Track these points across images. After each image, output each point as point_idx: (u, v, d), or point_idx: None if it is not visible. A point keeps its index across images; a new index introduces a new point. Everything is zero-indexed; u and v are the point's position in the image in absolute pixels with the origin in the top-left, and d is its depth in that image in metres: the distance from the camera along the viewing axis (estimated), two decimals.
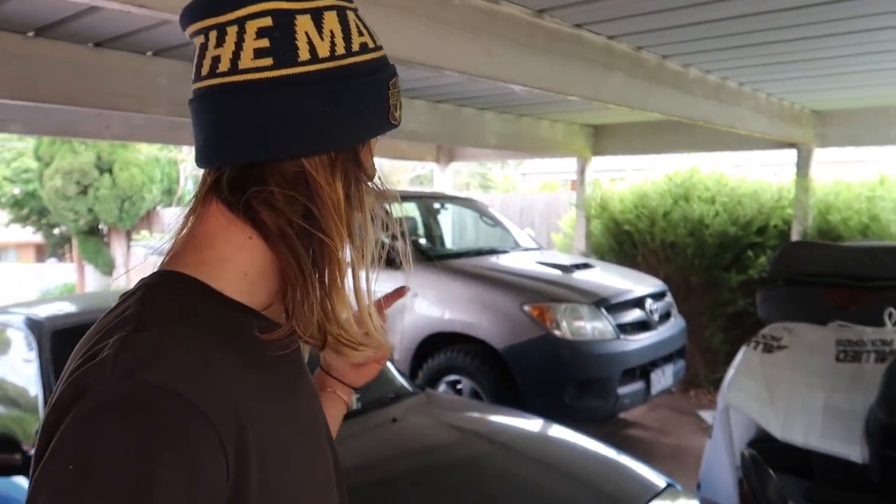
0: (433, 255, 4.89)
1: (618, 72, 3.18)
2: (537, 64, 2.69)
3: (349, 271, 0.68)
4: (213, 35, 0.64)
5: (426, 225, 5.78)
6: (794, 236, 5.49)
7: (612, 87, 3.19)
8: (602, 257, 6.40)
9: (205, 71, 0.64)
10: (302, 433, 0.69)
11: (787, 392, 2.40)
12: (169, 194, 14.99)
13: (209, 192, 0.67)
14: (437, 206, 6.12)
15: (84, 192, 13.06)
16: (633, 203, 6.28)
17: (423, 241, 5.55)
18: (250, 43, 0.63)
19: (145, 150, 13.50)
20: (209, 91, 0.64)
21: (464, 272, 4.59)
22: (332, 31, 0.65)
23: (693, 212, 5.87)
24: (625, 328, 4.29)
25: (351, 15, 0.68)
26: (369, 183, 0.70)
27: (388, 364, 3.05)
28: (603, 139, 6.70)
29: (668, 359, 4.58)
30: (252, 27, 0.63)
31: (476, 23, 2.39)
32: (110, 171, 13.12)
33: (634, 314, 4.43)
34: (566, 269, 4.73)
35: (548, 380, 4.10)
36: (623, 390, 4.17)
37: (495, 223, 6.15)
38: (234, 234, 0.66)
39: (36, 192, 14.07)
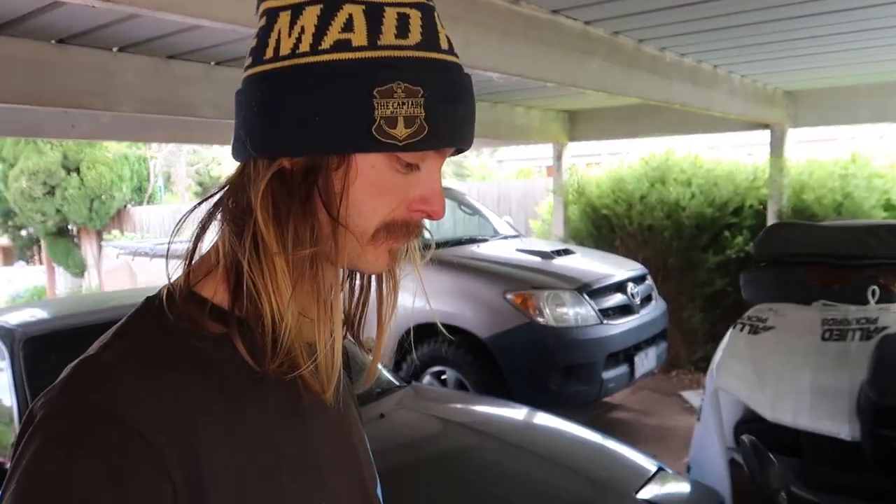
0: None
1: (595, 57, 3.16)
2: (515, 51, 2.65)
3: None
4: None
5: None
6: (770, 216, 5.55)
7: (589, 72, 3.17)
8: (581, 242, 6.41)
9: None
10: (296, 470, 0.63)
11: (775, 373, 2.42)
12: (140, 192, 14.73)
13: None
14: None
15: (51, 192, 12.79)
16: (610, 188, 6.30)
17: None
18: (250, 42, 0.62)
19: (114, 149, 13.23)
20: None
21: (444, 262, 4.55)
22: (303, 27, 0.58)
23: (669, 195, 5.90)
24: (607, 313, 4.31)
25: (349, 8, 0.58)
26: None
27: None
28: (578, 124, 6.71)
29: (650, 341, 4.61)
30: (255, 28, 0.63)
31: (454, 11, 2.35)
32: (78, 170, 12.86)
33: (616, 298, 4.44)
34: (547, 255, 4.73)
35: (532, 367, 4.10)
36: (608, 375, 4.19)
37: (473, 212, 6.11)
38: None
39: (1, 193, 13.74)
